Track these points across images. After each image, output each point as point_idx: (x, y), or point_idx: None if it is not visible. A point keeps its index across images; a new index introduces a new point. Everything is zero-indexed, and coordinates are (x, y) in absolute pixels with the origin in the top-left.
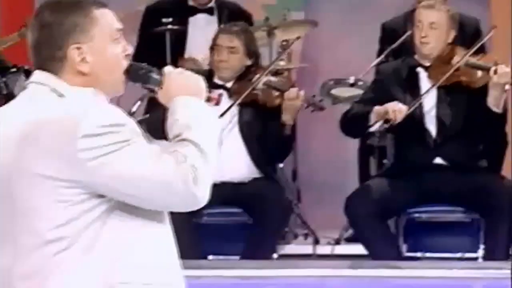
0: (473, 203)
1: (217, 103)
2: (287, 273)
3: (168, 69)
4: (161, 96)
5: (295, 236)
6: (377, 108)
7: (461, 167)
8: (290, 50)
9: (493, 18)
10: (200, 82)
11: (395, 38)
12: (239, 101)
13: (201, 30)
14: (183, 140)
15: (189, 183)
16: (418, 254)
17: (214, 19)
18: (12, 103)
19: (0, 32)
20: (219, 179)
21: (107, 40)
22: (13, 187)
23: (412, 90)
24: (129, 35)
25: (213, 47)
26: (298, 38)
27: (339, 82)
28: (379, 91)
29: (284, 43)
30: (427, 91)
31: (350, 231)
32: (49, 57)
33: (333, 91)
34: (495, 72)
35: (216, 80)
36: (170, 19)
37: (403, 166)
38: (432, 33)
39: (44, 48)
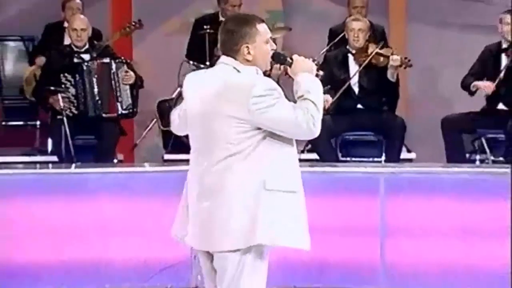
0: (379, 130)
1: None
2: None
3: (296, 56)
4: (290, 71)
5: None
6: None
7: (373, 110)
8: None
9: (390, 25)
10: (312, 65)
11: (336, 36)
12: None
13: None
14: (305, 99)
15: (309, 125)
16: (348, 158)
17: None
18: (207, 73)
19: (109, 31)
20: None
21: (263, 42)
22: (212, 123)
23: (345, 67)
24: (185, 34)
25: None
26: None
27: None
28: (327, 67)
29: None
30: (355, 73)
31: (309, 145)
32: (230, 49)
33: None
34: (391, 59)
35: None
36: (208, 27)
37: (340, 109)
38: (360, 35)
39: (227, 44)
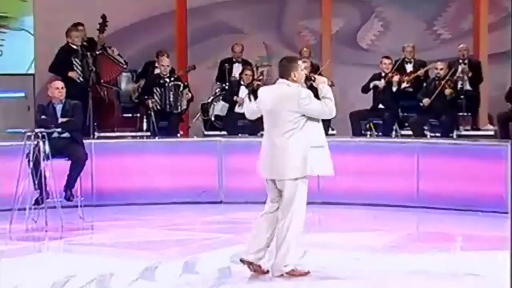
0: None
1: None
2: None
3: (317, 75)
4: (315, 84)
5: None
6: None
7: None
8: (265, 73)
9: (322, 64)
10: (326, 80)
11: None
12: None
13: (237, 68)
14: (325, 98)
15: (329, 111)
16: None
17: (240, 65)
18: (272, 87)
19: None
20: None
21: (301, 70)
22: (279, 113)
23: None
24: (215, 69)
25: (243, 73)
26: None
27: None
28: None
29: (261, 70)
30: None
31: None
32: (284, 74)
33: None
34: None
35: (242, 82)
36: (227, 64)
37: None
38: (306, 71)
39: (283, 71)
